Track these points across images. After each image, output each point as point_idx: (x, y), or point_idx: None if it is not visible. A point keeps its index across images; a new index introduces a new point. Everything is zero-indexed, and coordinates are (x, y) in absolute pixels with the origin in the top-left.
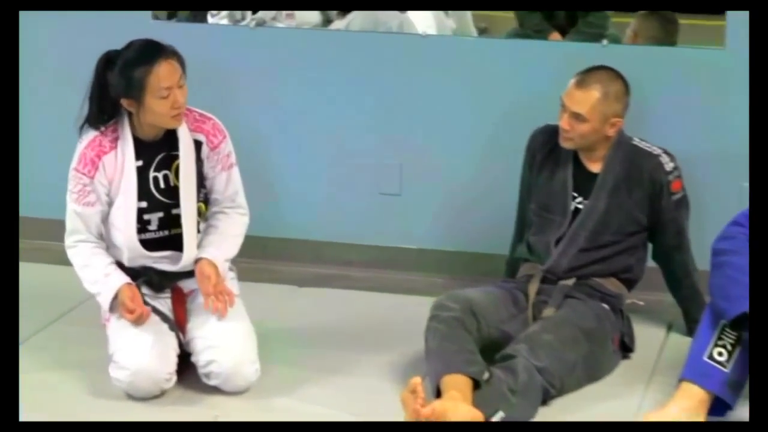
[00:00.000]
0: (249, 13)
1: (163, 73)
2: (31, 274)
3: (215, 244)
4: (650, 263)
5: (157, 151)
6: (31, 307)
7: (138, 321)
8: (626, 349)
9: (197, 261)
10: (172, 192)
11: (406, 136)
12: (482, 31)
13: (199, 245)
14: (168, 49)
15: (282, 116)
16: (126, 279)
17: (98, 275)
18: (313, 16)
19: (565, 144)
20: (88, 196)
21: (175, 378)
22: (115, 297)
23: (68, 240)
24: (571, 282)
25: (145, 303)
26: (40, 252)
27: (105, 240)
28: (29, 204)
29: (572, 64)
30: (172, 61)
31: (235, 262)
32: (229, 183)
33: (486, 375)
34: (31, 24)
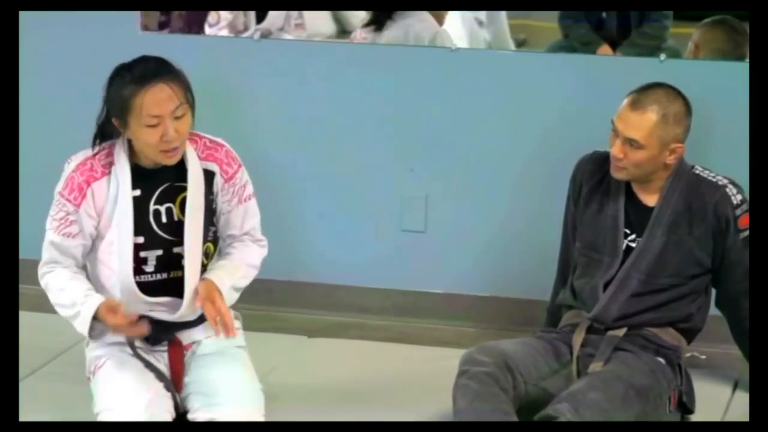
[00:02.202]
0: (253, 22)
1: (151, 98)
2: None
3: (225, 269)
4: (713, 311)
5: (159, 180)
6: None
7: (132, 331)
8: (685, 409)
9: (200, 282)
10: (175, 228)
11: (432, 165)
12: (520, 44)
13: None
14: (172, 71)
15: (289, 141)
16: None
17: (77, 296)
18: (326, 27)
19: (618, 174)
20: (70, 227)
21: None
22: (96, 318)
23: (43, 268)
24: (621, 332)
25: (139, 357)
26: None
27: (92, 282)
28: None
29: (625, 82)
30: (170, 86)
31: (238, 308)
32: (246, 217)
33: None
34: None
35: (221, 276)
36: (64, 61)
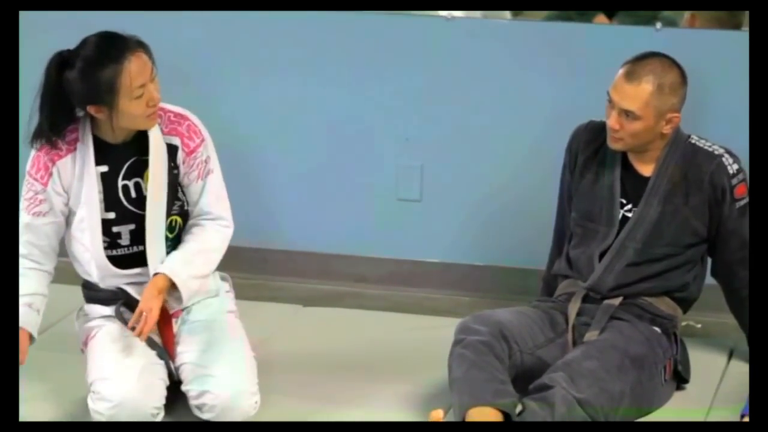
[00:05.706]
0: None
1: (135, 70)
2: None
3: (180, 259)
4: (709, 280)
5: (126, 156)
6: None
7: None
8: (680, 378)
9: (155, 275)
10: (145, 202)
11: (427, 134)
12: (516, 12)
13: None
14: (132, 40)
15: (282, 111)
16: (24, 326)
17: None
18: None
19: (615, 145)
20: (40, 205)
21: (162, 413)
22: None
23: (21, 250)
24: (617, 301)
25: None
26: None
27: (69, 256)
28: None
29: (620, 51)
30: (141, 54)
31: (233, 277)
32: (204, 193)
33: (518, 408)
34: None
35: (176, 269)
36: (63, 36)
